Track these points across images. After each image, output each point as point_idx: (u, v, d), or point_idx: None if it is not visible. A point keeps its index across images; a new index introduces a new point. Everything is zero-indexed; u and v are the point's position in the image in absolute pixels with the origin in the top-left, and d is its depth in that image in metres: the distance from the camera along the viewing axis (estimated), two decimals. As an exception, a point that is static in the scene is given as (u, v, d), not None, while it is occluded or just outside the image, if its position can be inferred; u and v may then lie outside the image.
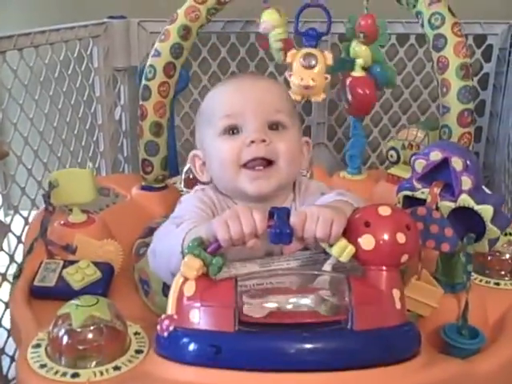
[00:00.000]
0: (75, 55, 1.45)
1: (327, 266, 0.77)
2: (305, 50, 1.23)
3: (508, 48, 1.57)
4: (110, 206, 1.24)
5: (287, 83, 1.42)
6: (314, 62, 1.22)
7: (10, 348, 1.29)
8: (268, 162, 0.91)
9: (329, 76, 1.24)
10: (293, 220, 0.74)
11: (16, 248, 1.30)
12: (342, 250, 0.74)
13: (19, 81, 1.30)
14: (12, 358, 1.30)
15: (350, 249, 0.74)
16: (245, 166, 0.91)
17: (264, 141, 0.90)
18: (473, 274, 0.93)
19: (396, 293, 0.74)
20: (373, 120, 1.65)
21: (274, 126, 0.93)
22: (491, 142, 1.65)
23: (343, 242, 0.74)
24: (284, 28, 1.26)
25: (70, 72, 1.44)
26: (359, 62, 1.24)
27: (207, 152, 0.96)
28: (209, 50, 1.58)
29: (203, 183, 1.01)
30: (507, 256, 0.98)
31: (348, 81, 1.26)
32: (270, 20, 1.25)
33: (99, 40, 1.49)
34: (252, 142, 0.90)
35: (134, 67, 1.55)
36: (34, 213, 1.27)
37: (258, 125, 0.91)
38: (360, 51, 1.26)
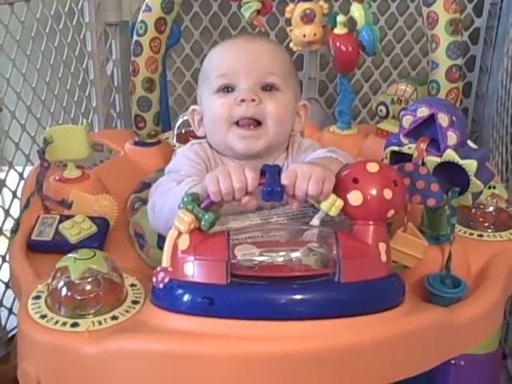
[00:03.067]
0: (66, 10, 1.44)
1: (316, 221, 0.79)
2: (302, 5, 1.23)
3: (499, 3, 1.57)
4: (103, 162, 1.25)
5: (280, 37, 1.43)
6: (312, 16, 1.23)
7: (8, 300, 1.32)
8: (257, 122, 0.94)
9: (324, 25, 1.25)
10: (284, 178, 0.76)
11: (11, 203, 1.32)
12: (331, 205, 0.76)
13: (11, 36, 1.29)
14: (10, 310, 1.33)
15: (339, 202, 0.76)
16: (236, 123, 0.94)
17: (254, 100, 0.93)
18: (457, 226, 0.95)
19: (382, 246, 0.76)
20: (364, 75, 1.66)
21: (268, 87, 0.96)
22: (480, 97, 1.66)
23: (332, 196, 0.76)
24: None
25: (61, 27, 1.44)
26: (340, 19, 1.24)
27: (203, 108, 1.00)
28: (200, 4, 1.58)
29: (199, 138, 1.04)
30: (491, 209, 1.00)
31: (330, 38, 1.26)
32: None
33: (90, -6, 1.48)
34: (242, 100, 0.93)
35: (125, 22, 1.55)
36: (28, 168, 1.28)
37: (250, 84, 0.94)
38: (355, 11, 1.25)
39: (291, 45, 1.25)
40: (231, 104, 0.94)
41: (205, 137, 1.02)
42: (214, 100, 0.96)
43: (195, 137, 1.07)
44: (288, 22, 1.25)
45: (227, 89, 0.96)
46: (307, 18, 1.21)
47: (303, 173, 0.77)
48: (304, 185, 0.76)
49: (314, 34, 1.22)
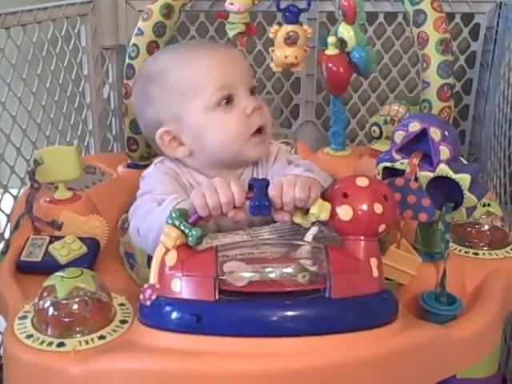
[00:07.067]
0: (63, 34, 1.45)
1: (309, 237, 0.78)
2: (286, 28, 1.24)
3: (495, 27, 1.57)
4: (95, 184, 1.25)
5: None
6: (296, 39, 1.23)
7: (2, 325, 1.30)
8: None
9: (307, 48, 1.25)
10: (270, 190, 0.76)
11: (6, 226, 1.31)
12: (320, 208, 0.75)
13: (7, 60, 1.30)
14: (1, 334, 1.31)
15: (327, 205, 0.76)
16: (253, 134, 0.94)
17: (260, 108, 0.94)
18: (452, 244, 0.95)
19: (373, 262, 0.75)
20: (360, 98, 1.66)
21: (253, 91, 0.96)
22: (478, 120, 1.66)
23: (319, 201, 0.76)
24: (248, 13, 1.27)
25: (57, 51, 1.44)
26: (331, 40, 1.24)
27: (194, 126, 0.95)
28: (197, 28, 1.59)
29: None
30: (486, 227, 0.99)
31: (322, 59, 1.26)
32: (241, 3, 1.25)
33: (87, 18, 1.49)
34: (253, 110, 0.93)
35: (121, 46, 1.56)
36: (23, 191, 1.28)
37: (247, 92, 0.95)
38: (343, 32, 1.26)
39: (271, 65, 1.25)
40: (243, 116, 0.93)
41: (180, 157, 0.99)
42: (222, 115, 0.93)
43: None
44: (271, 42, 1.25)
45: (228, 100, 0.94)
46: (290, 40, 1.22)
47: (288, 181, 0.76)
48: (291, 191, 0.75)
49: (296, 57, 1.22)
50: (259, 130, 0.94)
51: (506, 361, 1.26)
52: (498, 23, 1.57)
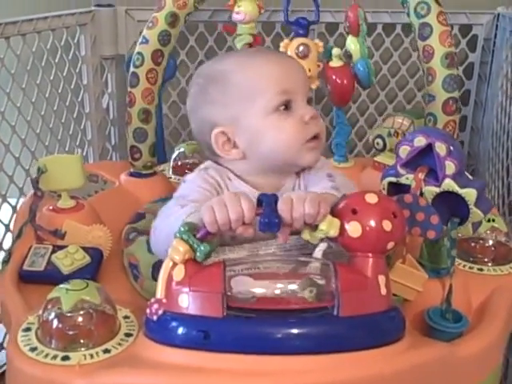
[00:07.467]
0: (62, 43, 1.45)
1: (318, 253, 0.78)
2: (297, 40, 1.24)
3: (493, 38, 1.59)
4: (98, 193, 1.24)
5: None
6: (307, 52, 1.23)
7: (0, 334, 1.29)
8: None
9: (321, 64, 1.25)
10: (280, 205, 0.75)
11: (4, 236, 1.30)
12: (329, 225, 0.75)
13: (6, 69, 1.30)
14: (1, 345, 1.30)
15: (336, 221, 0.75)
16: (308, 140, 0.93)
17: (317, 117, 0.94)
18: (457, 259, 0.94)
19: (382, 279, 0.74)
20: (359, 109, 1.67)
21: (310, 102, 0.96)
22: (476, 131, 1.67)
23: (329, 217, 0.75)
24: (255, 24, 1.26)
25: (57, 60, 1.44)
26: (335, 52, 1.24)
27: (250, 128, 0.94)
28: (196, 38, 1.59)
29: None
30: (490, 242, 0.99)
31: (326, 71, 1.27)
32: (246, 12, 1.25)
33: (86, 28, 1.49)
34: (311, 118, 0.92)
35: (121, 55, 1.56)
36: (22, 201, 1.27)
37: (305, 101, 0.94)
38: (351, 44, 1.26)
39: None
40: (300, 123, 0.92)
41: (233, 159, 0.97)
42: (279, 120, 0.92)
43: (191, 169, 1.06)
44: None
45: (286, 106, 0.93)
46: (302, 54, 1.22)
47: (298, 196, 0.76)
48: (301, 206, 0.75)
49: (309, 70, 1.22)
50: (314, 137, 0.94)
51: (505, 374, 1.26)
52: (495, 35, 1.58)
